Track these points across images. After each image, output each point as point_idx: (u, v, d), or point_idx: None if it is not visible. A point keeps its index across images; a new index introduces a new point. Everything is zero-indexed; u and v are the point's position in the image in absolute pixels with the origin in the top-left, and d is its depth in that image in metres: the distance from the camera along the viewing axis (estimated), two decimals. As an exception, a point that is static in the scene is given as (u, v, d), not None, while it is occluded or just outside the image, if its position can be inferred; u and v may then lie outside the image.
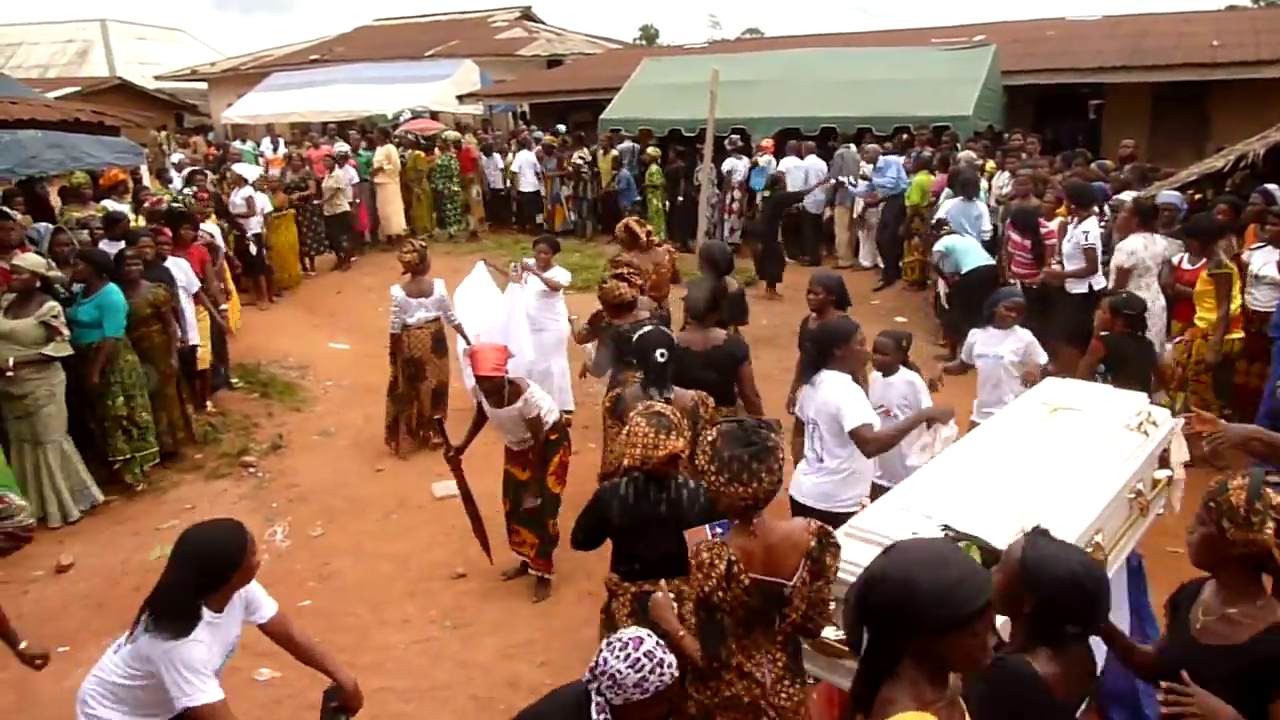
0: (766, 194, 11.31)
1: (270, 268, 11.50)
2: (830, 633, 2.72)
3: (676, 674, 2.43)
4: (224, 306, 7.91)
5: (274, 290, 11.69)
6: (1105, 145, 13.93)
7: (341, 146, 14.29)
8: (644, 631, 2.49)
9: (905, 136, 12.58)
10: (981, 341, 5.35)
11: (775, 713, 2.77)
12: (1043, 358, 5.11)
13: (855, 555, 2.73)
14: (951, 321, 8.84)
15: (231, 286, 9.62)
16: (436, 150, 14.82)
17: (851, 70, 14.54)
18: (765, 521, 2.75)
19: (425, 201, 14.59)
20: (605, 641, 2.47)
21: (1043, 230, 7.96)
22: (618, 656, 2.41)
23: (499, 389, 4.93)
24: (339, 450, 7.55)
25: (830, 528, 2.81)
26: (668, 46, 31.26)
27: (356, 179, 13.44)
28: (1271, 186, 7.38)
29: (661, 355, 4.16)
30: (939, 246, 8.66)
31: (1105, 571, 2.67)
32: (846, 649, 2.70)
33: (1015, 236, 8.11)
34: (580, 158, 14.55)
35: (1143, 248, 6.69)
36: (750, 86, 13.95)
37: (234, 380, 8.60)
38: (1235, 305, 6.12)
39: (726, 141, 13.13)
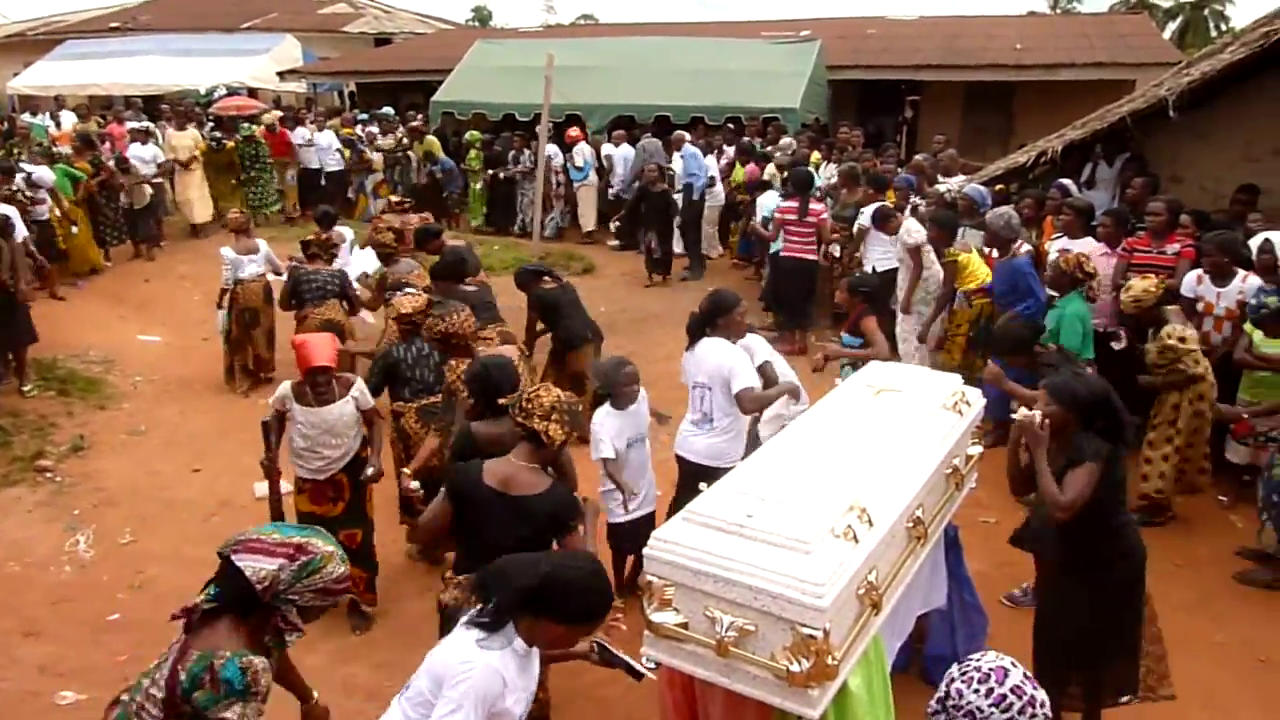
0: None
1: (64, 253, 10.44)
2: (667, 617, 2.74)
3: (1050, 716, 1.98)
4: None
5: (67, 278, 10.61)
6: (922, 139, 14.76)
7: (134, 123, 13.14)
8: (1006, 660, 2.01)
9: (731, 126, 12.95)
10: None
11: None
12: (761, 352, 4.81)
13: (694, 540, 2.75)
14: (772, 301, 9.45)
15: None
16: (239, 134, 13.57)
17: (685, 60, 14.74)
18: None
19: (233, 186, 13.58)
20: (959, 669, 2.03)
21: (813, 207, 8.61)
22: (977, 691, 1.95)
23: (329, 382, 4.52)
24: (152, 450, 7.04)
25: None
26: (502, 29, 30.85)
27: (162, 157, 12.44)
28: (1066, 181, 8.01)
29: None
30: (765, 212, 9.24)
31: None
32: (685, 633, 2.75)
33: (788, 215, 8.59)
34: (392, 141, 14.14)
35: (918, 228, 7.29)
36: (585, 73, 13.91)
37: (27, 388, 7.72)
38: (976, 284, 6.75)
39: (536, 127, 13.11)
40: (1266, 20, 7.23)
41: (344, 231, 8.81)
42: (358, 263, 8.44)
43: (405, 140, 14.13)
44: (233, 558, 2.32)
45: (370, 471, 4.62)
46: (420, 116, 15.03)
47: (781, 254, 8.77)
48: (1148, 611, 3.68)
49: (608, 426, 4.50)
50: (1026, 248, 6.52)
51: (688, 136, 12.08)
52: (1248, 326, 5.47)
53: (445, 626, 3.78)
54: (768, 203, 9.34)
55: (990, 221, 6.61)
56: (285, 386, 4.56)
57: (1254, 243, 6.09)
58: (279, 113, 14.38)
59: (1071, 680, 3.69)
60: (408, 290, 5.82)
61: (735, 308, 4.59)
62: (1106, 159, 8.48)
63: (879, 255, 8.05)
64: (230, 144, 13.13)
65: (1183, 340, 5.31)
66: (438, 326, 4.82)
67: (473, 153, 13.76)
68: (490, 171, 13.74)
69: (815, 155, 11.10)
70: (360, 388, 4.62)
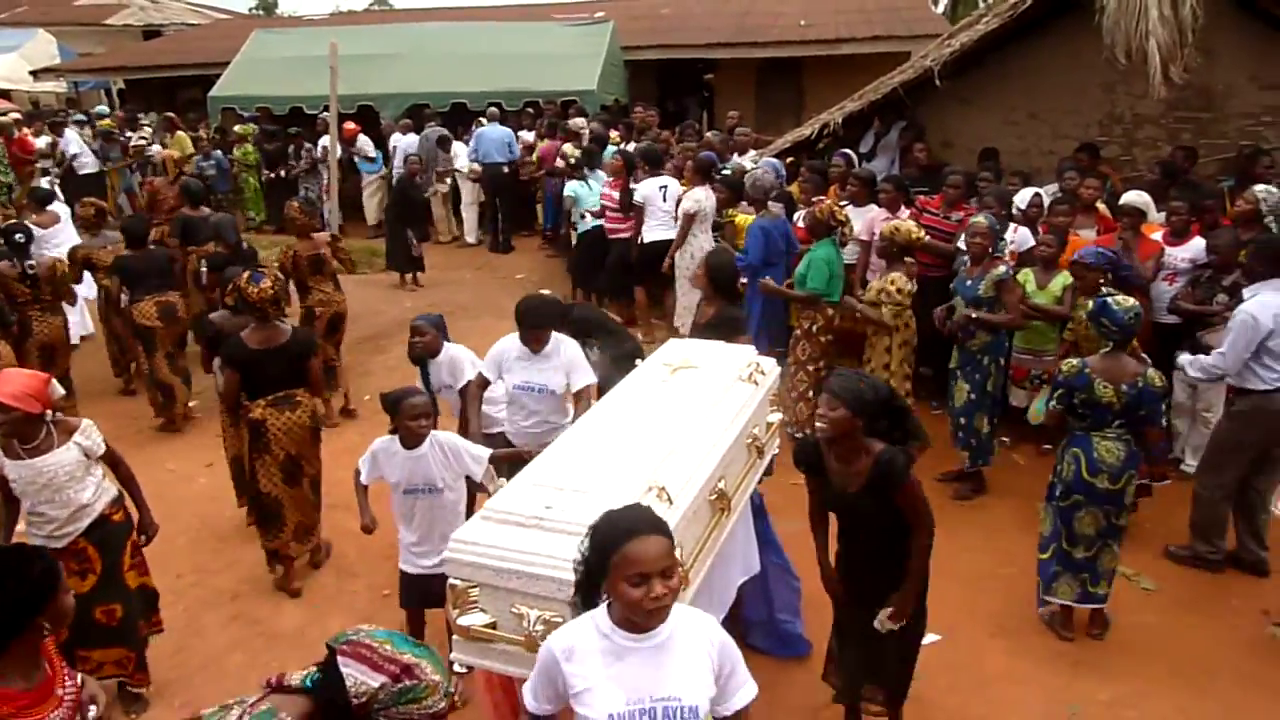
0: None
1: None
2: (475, 619, 2.67)
3: None
4: None
5: None
6: (720, 117, 15.11)
7: None
8: None
9: (531, 110, 12.93)
10: None
11: None
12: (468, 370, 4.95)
13: (494, 538, 2.68)
14: (577, 281, 9.75)
15: None
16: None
17: (479, 45, 14.48)
18: None
19: None
20: None
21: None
22: None
23: (33, 427, 3.71)
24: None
25: None
26: (288, 17, 29.33)
27: None
28: (848, 151, 8.40)
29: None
30: (567, 191, 9.53)
31: None
32: (494, 633, 2.68)
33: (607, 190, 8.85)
34: (141, 139, 13.28)
35: (705, 198, 7.75)
36: (376, 61, 13.44)
37: None
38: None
39: (317, 120, 12.63)
40: (1017, -9, 7.78)
41: (58, 211, 8.84)
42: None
43: (147, 136, 13.30)
44: (339, 661, 2.10)
45: (144, 539, 4.12)
46: (169, 114, 14.19)
47: (612, 236, 8.84)
48: None
49: (380, 461, 4.03)
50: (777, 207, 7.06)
51: (498, 114, 12.06)
52: (1021, 277, 5.91)
53: (254, 441, 4.81)
54: (583, 193, 9.36)
55: (748, 182, 7.18)
56: None
57: (1022, 198, 6.67)
58: (16, 114, 13.05)
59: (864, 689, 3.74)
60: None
61: (543, 326, 4.49)
62: (884, 128, 8.94)
63: (654, 225, 8.33)
64: None
65: (900, 291, 5.86)
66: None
67: (247, 147, 13.16)
68: (270, 174, 13.15)
69: (614, 135, 11.15)
70: (87, 430, 3.88)
